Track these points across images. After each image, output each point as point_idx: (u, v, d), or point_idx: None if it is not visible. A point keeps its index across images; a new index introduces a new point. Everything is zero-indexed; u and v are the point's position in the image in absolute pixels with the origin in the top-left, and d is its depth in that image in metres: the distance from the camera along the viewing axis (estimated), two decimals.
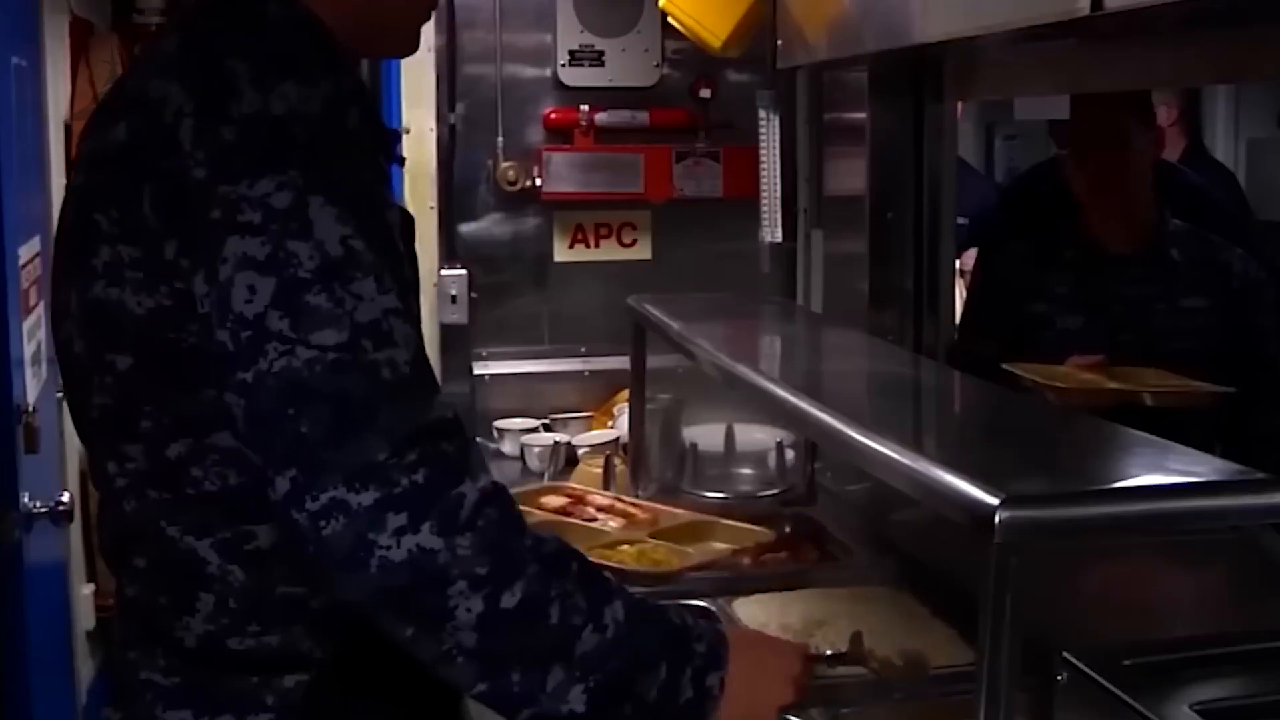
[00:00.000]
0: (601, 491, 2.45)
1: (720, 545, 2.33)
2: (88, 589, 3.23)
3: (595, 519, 2.30)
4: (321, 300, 1.20)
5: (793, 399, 1.75)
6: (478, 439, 3.18)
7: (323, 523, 1.19)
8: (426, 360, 1.28)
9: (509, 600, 1.21)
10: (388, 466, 1.19)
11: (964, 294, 3.10)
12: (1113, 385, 2.21)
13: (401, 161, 1.57)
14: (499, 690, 1.25)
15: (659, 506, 2.41)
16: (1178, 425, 1.71)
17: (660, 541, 2.28)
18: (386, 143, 1.50)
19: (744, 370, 1.97)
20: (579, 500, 2.40)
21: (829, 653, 1.94)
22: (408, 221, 1.48)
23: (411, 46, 1.54)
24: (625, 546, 2.26)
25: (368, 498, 1.18)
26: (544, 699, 1.25)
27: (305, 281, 1.20)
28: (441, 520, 1.19)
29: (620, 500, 2.36)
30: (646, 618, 1.31)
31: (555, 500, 2.45)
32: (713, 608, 2.15)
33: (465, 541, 1.20)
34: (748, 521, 2.59)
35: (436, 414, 1.24)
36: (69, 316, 1.37)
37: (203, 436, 1.29)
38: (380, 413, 1.20)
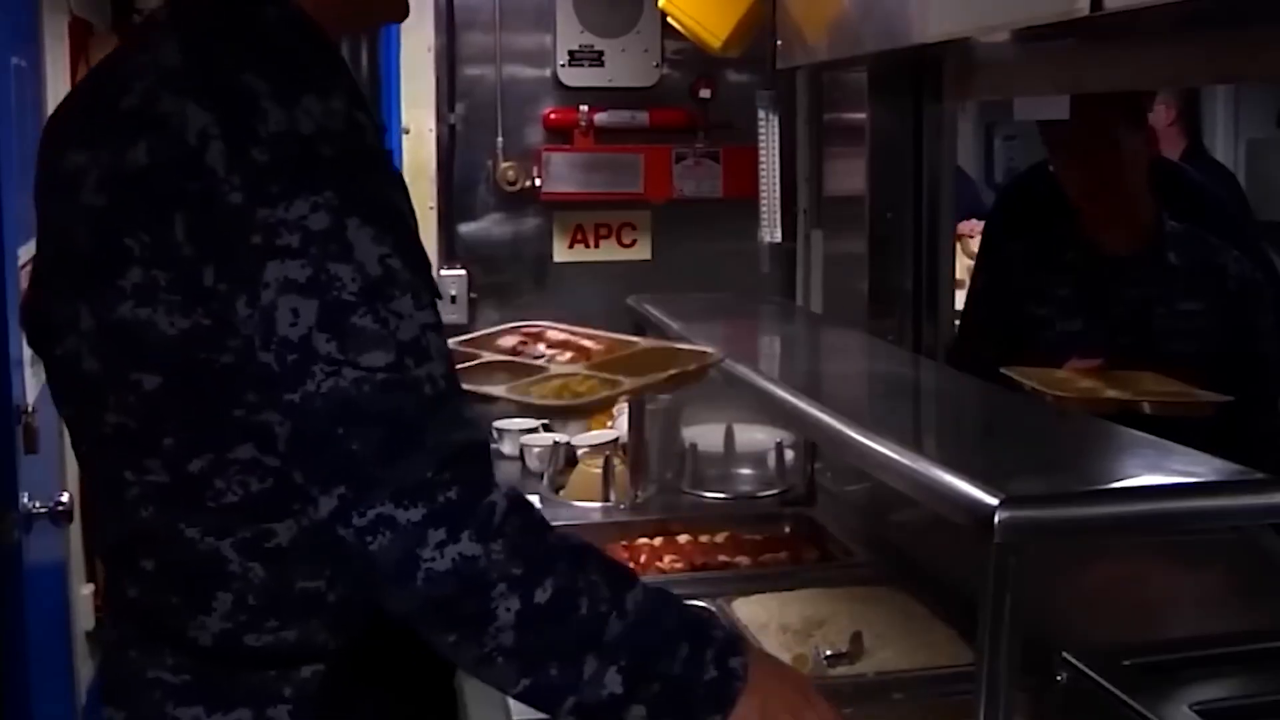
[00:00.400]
0: (560, 326, 2.20)
1: (672, 370, 1.98)
2: (87, 589, 3.23)
3: (543, 355, 2.04)
4: (367, 322, 1.23)
5: (792, 399, 1.75)
6: None
7: (369, 538, 1.22)
8: (455, 368, 1.30)
9: (542, 596, 1.25)
10: (433, 484, 1.22)
11: (969, 264, 3.09)
12: (1111, 394, 2.21)
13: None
14: (540, 685, 1.28)
15: (618, 337, 2.10)
16: (1176, 428, 1.71)
17: (593, 372, 1.98)
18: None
19: (744, 370, 1.97)
20: (535, 338, 2.16)
21: (829, 653, 1.95)
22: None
23: (403, 10, 1.54)
24: (553, 381, 1.95)
25: (416, 514, 1.22)
26: (583, 687, 1.28)
27: (350, 304, 1.22)
28: (478, 529, 1.23)
29: (576, 334, 2.10)
30: (665, 602, 1.35)
31: (509, 340, 2.16)
32: (712, 607, 2.16)
33: (499, 546, 1.24)
34: (748, 522, 2.60)
35: (471, 431, 1.28)
36: (74, 333, 1.36)
37: (225, 451, 1.31)
38: (427, 430, 1.24)
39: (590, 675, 1.28)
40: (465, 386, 1.48)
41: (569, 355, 2.00)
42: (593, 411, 1.65)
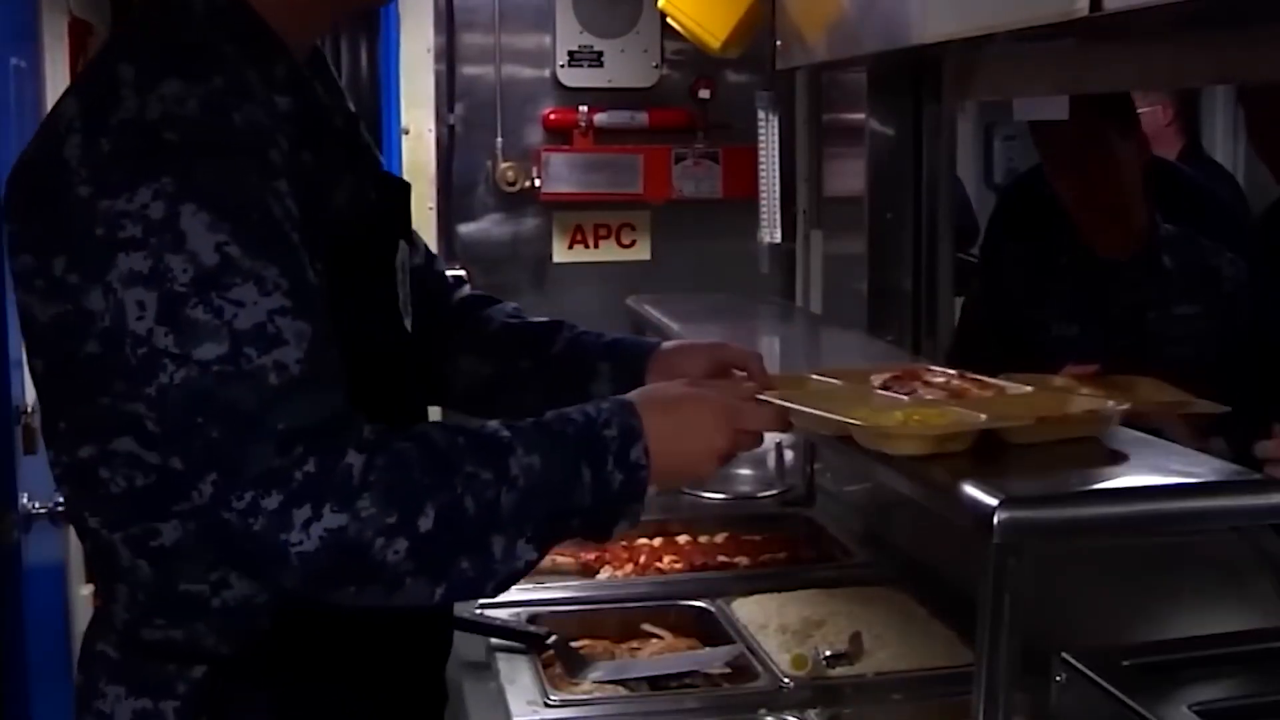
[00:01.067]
0: (946, 370, 1.75)
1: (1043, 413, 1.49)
2: (86, 589, 3.21)
3: (914, 392, 1.66)
4: (199, 313, 1.22)
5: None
6: None
7: (251, 519, 1.22)
8: (325, 349, 1.27)
9: (426, 524, 1.24)
10: (284, 468, 1.22)
11: None
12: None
13: (359, 143, 1.55)
14: (457, 584, 1.28)
15: (1010, 385, 1.66)
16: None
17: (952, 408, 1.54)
18: (340, 130, 1.49)
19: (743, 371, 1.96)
20: (909, 377, 1.75)
21: (828, 653, 1.95)
22: (393, 192, 1.52)
23: None
24: (899, 411, 1.53)
25: (273, 501, 1.21)
26: (499, 567, 1.29)
27: (183, 295, 1.22)
28: (339, 496, 1.22)
29: (964, 377, 1.69)
30: (552, 442, 1.33)
31: (878, 378, 1.72)
32: (711, 608, 2.16)
33: (366, 503, 1.22)
34: (748, 522, 2.60)
35: (325, 409, 1.25)
36: None
37: (106, 442, 1.33)
38: (269, 418, 1.22)
39: (501, 555, 1.29)
40: (802, 407, 1.46)
41: (941, 395, 1.65)
42: (942, 445, 1.40)
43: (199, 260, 1.22)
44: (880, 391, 1.58)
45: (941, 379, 1.66)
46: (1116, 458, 1.42)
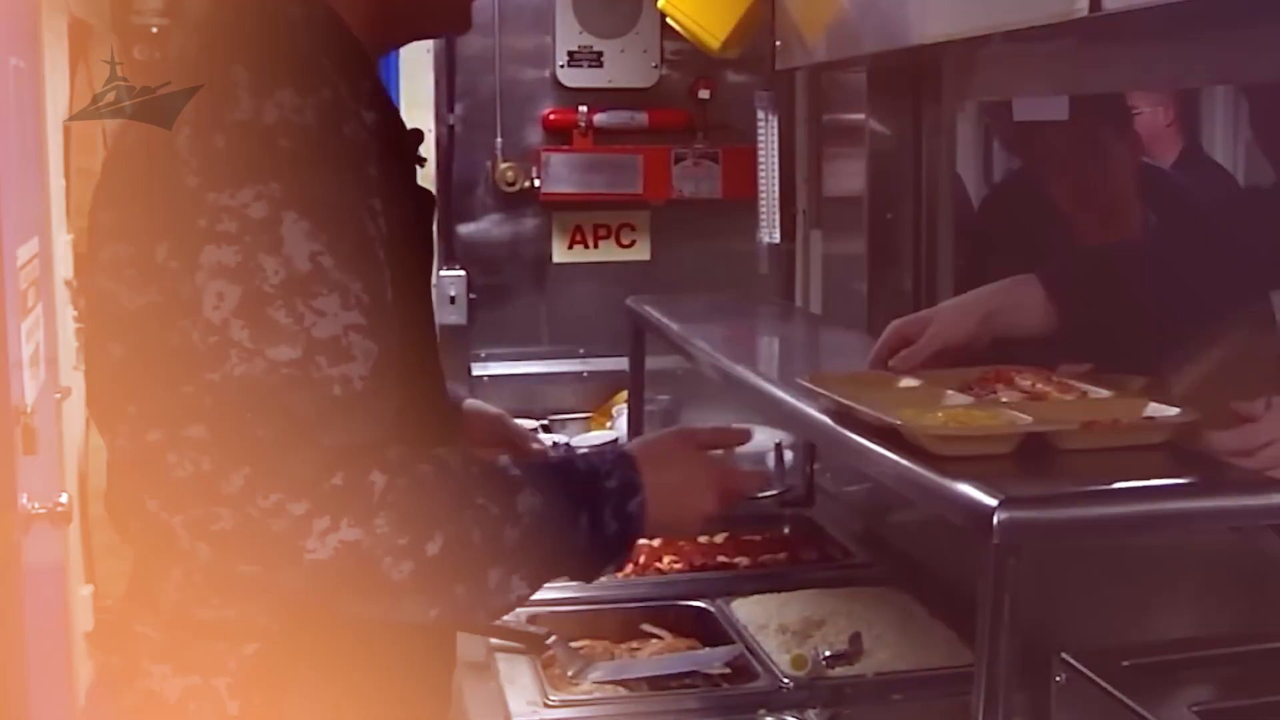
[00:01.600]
0: (1036, 370, 1.68)
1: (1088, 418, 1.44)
2: (86, 590, 3.22)
3: (993, 393, 1.60)
4: (280, 315, 1.26)
5: (791, 400, 1.75)
6: None
7: (272, 520, 1.26)
8: (387, 369, 1.31)
9: (433, 549, 1.29)
10: (315, 480, 1.26)
11: None
12: None
13: (422, 162, 1.60)
14: (450, 607, 1.33)
15: (1094, 389, 1.58)
16: None
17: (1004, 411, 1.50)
18: (406, 146, 1.53)
19: (743, 371, 1.97)
20: (995, 379, 1.69)
21: (828, 653, 1.95)
22: (428, 204, 1.55)
23: (464, 22, 1.58)
24: (940, 413, 1.50)
25: (300, 508, 1.26)
26: (491, 597, 1.34)
27: (268, 295, 1.26)
28: (358, 512, 1.27)
29: (1050, 379, 1.63)
30: (556, 483, 1.39)
31: (970, 378, 1.69)
32: (711, 608, 2.16)
33: (381, 521, 1.27)
34: (748, 522, 2.60)
35: (372, 433, 1.30)
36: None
37: (179, 428, 1.35)
38: (323, 429, 1.27)
39: (496, 585, 1.33)
40: (853, 403, 1.50)
41: (1018, 397, 1.60)
42: (983, 447, 1.38)
43: (292, 265, 1.26)
44: (951, 393, 1.58)
45: (1028, 381, 1.63)
46: (1172, 466, 1.40)
